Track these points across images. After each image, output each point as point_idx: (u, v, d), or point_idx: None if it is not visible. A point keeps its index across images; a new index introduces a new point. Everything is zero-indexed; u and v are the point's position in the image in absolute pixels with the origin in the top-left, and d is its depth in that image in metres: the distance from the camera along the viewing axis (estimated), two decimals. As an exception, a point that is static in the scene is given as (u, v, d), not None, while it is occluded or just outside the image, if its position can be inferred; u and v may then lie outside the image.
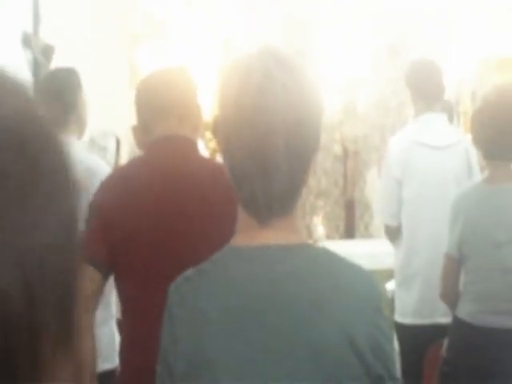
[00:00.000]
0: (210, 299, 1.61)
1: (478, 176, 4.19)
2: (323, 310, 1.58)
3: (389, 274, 4.69)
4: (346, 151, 7.98)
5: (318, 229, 7.19)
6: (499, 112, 3.35)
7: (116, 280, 2.62)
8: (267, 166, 1.54)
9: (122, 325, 2.79)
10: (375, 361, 1.61)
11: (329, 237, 7.38)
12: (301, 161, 1.59)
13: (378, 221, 5.93)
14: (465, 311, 3.42)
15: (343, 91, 7.69)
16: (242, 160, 1.56)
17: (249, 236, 1.62)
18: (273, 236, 1.60)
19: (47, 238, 0.59)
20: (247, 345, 1.57)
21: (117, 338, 3.35)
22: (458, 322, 3.46)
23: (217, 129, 1.63)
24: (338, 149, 7.93)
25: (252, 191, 1.57)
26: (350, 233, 7.87)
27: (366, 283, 1.67)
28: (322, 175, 7.84)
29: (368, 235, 7.77)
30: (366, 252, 5.50)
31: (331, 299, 1.59)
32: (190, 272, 1.68)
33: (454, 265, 3.47)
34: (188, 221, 2.48)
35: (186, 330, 1.61)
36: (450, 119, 4.99)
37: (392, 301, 4.46)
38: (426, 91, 4.28)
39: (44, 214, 0.59)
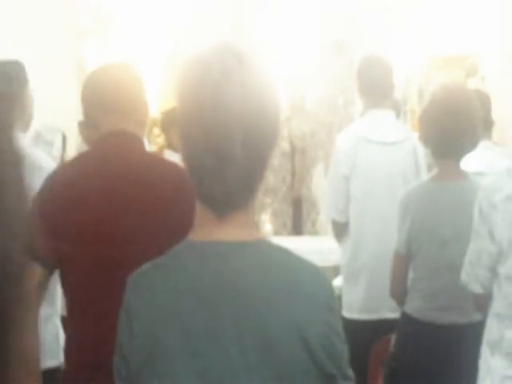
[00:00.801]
0: (165, 293, 1.63)
1: (425, 173, 4.23)
2: (275, 306, 1.60)
3: (335, 271, 4.71)
4: (293, 148, 7.99)
5: (265, 225, 7.20)
6: (447, 110, 3.37)
7: (61, 276, 2.60)
8: (225, 160, 1.56)
9: (66, 322, 2.76)
10: (327, 359, 1.63)
11: (276, 233, 7.39)
12: (258, 156, 1.61)
13: (325, 217, 5.95)
14: (413, 307, 3.45)
15: (291, 88, 7.70)
16: (200, 154, 1.58)
17: (206, 230, 1.64)
18: (229, 231, 1.62)
19: None
20: (201, 337, 1.59)
21: (61, 335, 3.32)
22: (406, 318, 3.49)
23: (176, 124, 1.64)
24: (285, 145, 7.93)
25: (209, 186, 1.58)
26: (297, 229, 7.89)
27: (320, 281, 1.68)
28: (269, 172, 7.83)
29: (315, 232, 7.79)
30: (313, 248, 5.51)
31: (284, 296, 1.61)
32: (146, 266, 1.70)
33: (403, 262, 3.50)
34: (135, 216, 2.46)
35: (142, 323, 1.63)
36: (397, 117, 5.03)
37: (339, 297, 4.48)
38: (376, 88, 4.30)
39: None
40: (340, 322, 1.72)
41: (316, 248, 5.67)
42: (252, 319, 1.58)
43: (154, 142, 7.21)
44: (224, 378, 1.59)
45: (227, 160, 1.55)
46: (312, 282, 1.66)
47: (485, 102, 4.65)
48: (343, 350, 1.70)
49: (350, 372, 1.74)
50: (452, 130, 3.34)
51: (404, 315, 3.51)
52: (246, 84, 1.56)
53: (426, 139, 3.52)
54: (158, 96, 6.97)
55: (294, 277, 1.65)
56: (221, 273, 1.60)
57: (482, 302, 2.85)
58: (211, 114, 1.55)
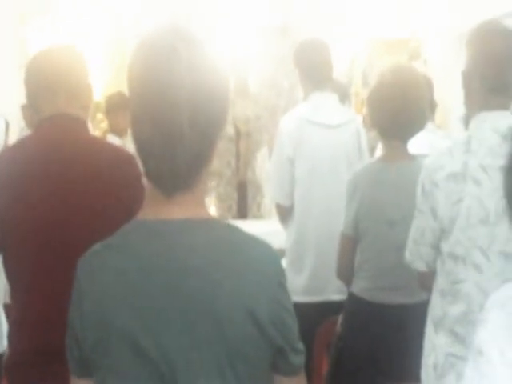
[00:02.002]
0: (114, 272, 1.64)
1: (367, 155, 4.26)
2: (225, 284, 1.61)
3: (280, 254, 4.71)
4: (238, 132, 7.99)
5: (210, 209, 7.19)
6: (394, 92, 3.39)
7: (4, 262, 2.57)
8: (172, 140, 1.58)
9: (10, 309, 2.74)
10: (277, 334, 1.66)
11: (221, 217, 7.40)
12: (206, 136, 1.62)
13: (270, 201, 5.96)
14: (360, 288, 3.48)
15: (235, 72, 7.69)
16: (148, 135, 1.60)
17: (155, 210, 1.66)
18: (178, 210, 1.64)
19: None
20: (150, 316, 1.60)
21: (4, 323, 3.29)
22: (353, 299, 3.51)
23: (120, 108, 1.66)
24: (230, 130, 7.93)
25: (157, 166, 1.60)
26: (242, 213, 7.90)
27: (270, 259, 1.69)
28: (214, 156, 7.83)
29: (260, 215, 7.82)
30: (258, 232, 5.48)
31: (234, 273, 1.62)
32: (96, 246, 1.72)
33: (350, 243, 3.51)
34: (80, 199, 2.44)
35: (92, 303, 1.65)
36: (342, 100, 5.04)
37: (284, 279, 4.49)
38: (315, 71, 4.31)
39: None
40: (290, 299, 1.74)
41: (261, 231, 5.62)
42: (201, 297, 1.59)
43: (97, 127, 7.16)
44: (174, 356, 1.60)
45: (175, 140, 1.57)
46: (262, 258, 1.68)
47: (428, 84, 4.70)
48: (293, 325, 1.73)
49: (301, 345, 1.78)
50: (400, 111, 3.36)
51: (351, 296, 3.54)
52: (193, 65, 1.58)
53: (373, 120, 3.53)
54: (101, 80, 6.91)
55: (244, 254, 1.66)
56: (169, 251, 1.62)
57: (427, 281, 2.88)
58: (159, 94, 1.57)
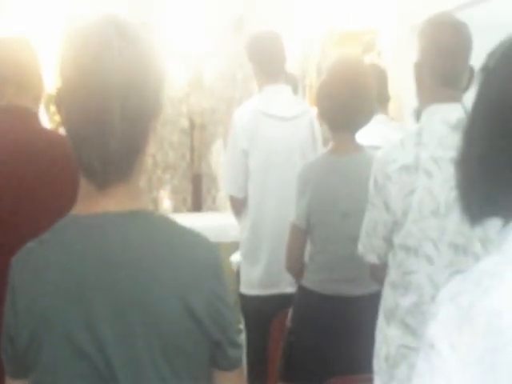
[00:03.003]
0: (49, 268, 1.61)
1: (321, 147, 4.27)
2: (159, 276, 1.60)
3: (235, 246, 4.72)
4: (192, 124, 7.96)
5: (165, 202, 7.16)
6: (343, 83, 3.40)
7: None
8: (103, 131, 1.55)
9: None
10: (214, 327, 1.65)
11: (176, 210, 7.38)
12: (137, 127, 1.60)
13: (225, 194, 5.95)
14: (311, 280, 3.48)
15: (189, 64, 7.66)
16: (80, 126, 1.58)
17: (88, 203, 1.63)
18: (111, 203, 1.62)
19: None
20: (84, 311, 1.58)
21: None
22: (303, 292, 3.51)
23: (58, 96, 1.63)
24: (184, 122, 7.89)
25: (89, 157, 1.58)
26: (197, 206, 7.88)
27: (206, 251, 1.68)
28: (168, 149, 7.80)
29: (215, 208, 7.80)
30: (213, 225, 5.51)
31: (168, 265, 1.61)
32: (30, 243, 1.68)
33: (301, 235, 3.52)
34: (26, 192, 2.41)
35: (26, 300, 1.62)
36: (295, 92, 5.05)
37: (237, 273, 4.49)
38: (268, 64, 4.30)
39: None
40: (227, 291, 1.73)
41: (216, 224, 5.68)
42: (136, 290, 1.58)
43: (52, 120, 7.08)
44: (110, 351, 1.58)
45: (106, 132, 1.55)
46: (197, 250, 1.67)
47: (381, 76, 4.73)
48: (230, 317, 1.72)
49: (239, 339, 1.77)
50: (349, 103, 3.38)
51: (301, 288, 3.54)
52: (125, 56, 1.57)
53: (322, 113, 3.54)
54: (54, 72, 6.84)
55: (179, 246, 1.65)
56: (103, 245, 1.60)
57: (379, 273, 2.89)
58: (89, 85, 1.55)
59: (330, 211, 3.41)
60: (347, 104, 3.38)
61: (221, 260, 1.73)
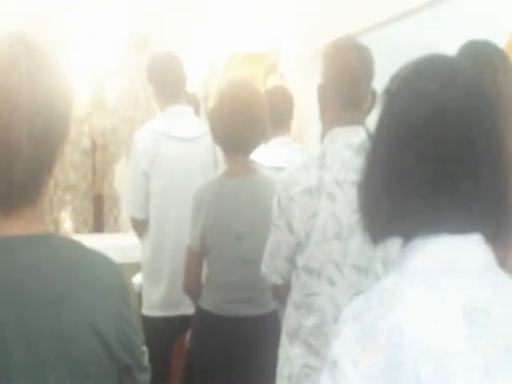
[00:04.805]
0: None
1: (223, 169, 4.27)
2: (67, 301, 1.55)
3: (137, 268, 4.67)
4: (94, 144, 7.89)
5: (65, 223, 7.06)
6: (235, 106, 3.42)
7: None
8: (10, 153, 1.51)
9: None
10: (123, 351, 1.62)
11: (77, 231, 7.28)
12: (45, 149, 1.56)
13: (127, 214, 5.91)
14: (208, 301, 3.48)
15: (91, 83, 7.59)
16: None
17: None
18: (16, 226, 1.56)
19: None
20: None
21: None
22: (201, 313, 3.51)
23: None
24: (86, 142, 7.82)
25: None
26: (98, 227, 7.81)
27: (112, 274, 1.65)
28: (70, 169, 7.71)
29: (117, 229, 7.74)
30: (115, 246, 5.45)
31: (76, 290, 1.57)
32: None
33: (197, 257, 3.51)
34: None
35: None
36: (197, 113, 5.04)
37: (139, 294, 4.44)
38: (168, 84, 4.29)
39: None
40: (134, 315, 1.70)
41: (118, 245, 5.61)
42: (43, 316, 1.53)
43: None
44: (18, 379, 1.52)
45: (12, 153, 1.51)
46: (105, 274, 1.64)
47: (285, 98, 4.76)
48: (139, 342, 1.70)
49: (147, 364, 1.75)
50: (240, 125, 3.40)
51: (198, 310, 3.54)
52: (34, 75, 1.52)
53: (216, 135, 3.54)
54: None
55: (86, 269, 1.61)
56: (9, 269, 1.54)
57: (281, 293, 2.90)
58: None
59: (224, 233, 3.42)
60: (239, 127, 3.40)
61: (126, 282, 1.71)
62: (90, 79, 7.50)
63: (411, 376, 1.27)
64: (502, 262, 1.58)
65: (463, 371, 1.30)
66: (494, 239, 1.42)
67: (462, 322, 1.32)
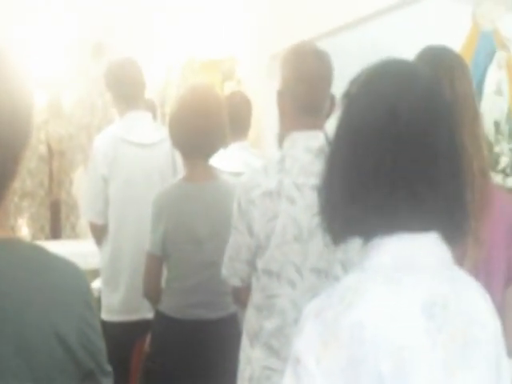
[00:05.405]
0: None
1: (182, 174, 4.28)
2: (31, 306, 1.54)
3: (95, 274, 4.66)
4: (51, 151, 7.84)
5: (22, 230, 7.00)
6: (194, 111, 3.43)
7: None
8: None
9: None
10: (86, 356, 1.61)
11: (34, 238, 7.22)
12: (8, 155, 1.55)
13: (85, 221, 5.88)
14: (168, 306, 3.48)
15: (48, 89, 7.54)
16: None
17: None
18: None
19: None
20: None
21: None
22: (160, 317, 3.52)
23: None
24: (43, 149, 7.77)
25: None
26: (55, 233, 7.75)
27: (75, 278, 1.65)
28: (26, 176, 7.65)
29: (75, 236, 7.69)
30: (73, 252, 5.40)
31: (39, 294, 1.56)
32: None
33: (156, 262, 3.52)
34: None
35: None
36: (154, 118, 5.04)
37: (98, 299, 4.43)
38: (127, 91, 4.29)
39: None
40: (98, 319, 1.70)
41: (75, 251, 5.55)
42: (6, 322, 1.52)
43: None
44: None
45: None
46: (68, 278, 1.63)
47: (244, 103, 4.79)
48: (101, 346, 1.69)
49: (109, 367, 1.74)
50: (200, 130, 3.41)
51: (158, 314, 3.54)
52: None
53: (176, 141, 3.55)
54: None
55: (49, 274, 1.60)
56: None
57: (242, 296, 2.92)
58: None
59: (185, 238, 3.44)
60: (198, 132, 3.42)
61: (89, 286, 1.71)
62: (46, 86, 7.45)
63: (373, 371, 1.30)
64: (460, 261, 1.62)
65: (423, 365, 1.33)
66: (451, 238, 1.46)
67: (422, 317, 1.35)
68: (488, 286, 1.61)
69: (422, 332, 1.34)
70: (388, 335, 1.32)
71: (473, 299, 1.46)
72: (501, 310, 1.94)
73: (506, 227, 2.51)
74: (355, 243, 1.50)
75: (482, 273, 2.32)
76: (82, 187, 6.81)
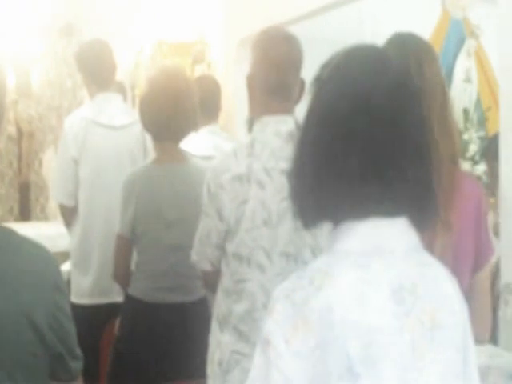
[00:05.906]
0: None
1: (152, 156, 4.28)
2: (1, 289, 1.54)
3: (65, 256, 4.65)
4: (20, 132, 7.79)
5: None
6: (165, 94, 3.43)
7: None
8: None
9: None
10: (56, 339, 1.61)
11: (3, 219, 7.19)
12: None
13: (54, 203, 5.86)
14: (137, 289, 3.48)
15: (16, 70, 7.48)
16: None
17: None
18: None
19: None
20: None
21: None
22: (130, 300, 3.52)
23: None
24: (12, 130, 7.72)
25: None
26: (25, 215, 7.72)
27: (45, 260, 1.65)
28: (-8, 156, 7.61)
29: (44, 217, 7.65)
30: (42, 234, 5.39)
31: (9, 277, 1.56)
32: None
33: (127, 245, 3.52)
34: None
35: None
36: (125, 101, 5.03)
37: (68, 282, 4.42)
38: (98, 73, 4.28)
39: None
40: (68, 302, 1.71)
41: (44, 233, 5.56)
42: None
43: None
44: None
45: None
46: (37, 261, 1.63)
47: (213, 87, 4.79)
48: (71, 329, 1.70)
49: (79, 351, 1.75)
50: (170, 112, 3.41)
51: (128, 297, 3.54)
52: None
53: (145, 124, 3.55)
54: None
55: (19, 257, 1.60)
56: None
57: (211, 280, 2.92)
58: None
59: (154, 220, 3.44)
60: (169, 114, 3.42)
61: (60, 269, 1.71)
62: (14, 66, 7.39)
63: (341, 353, 1.32)
64: (429, 247, 1.64)
65: (391, 348, 1.35)
66: (420, 223, 1.48)
67: (390, 301, 1.37)
68: (456, 271, 1.63)
69: (391, 316, 1.36)
70: (356, 319, 1.33)
71: (441, 284, 1.48)
72: (468, 294, 1.97)
73: (475, 213, 2.53)
74: (324, 228, 1.52)
75: (450, 258, 2.34)
76: (51, 169, 6.78)
